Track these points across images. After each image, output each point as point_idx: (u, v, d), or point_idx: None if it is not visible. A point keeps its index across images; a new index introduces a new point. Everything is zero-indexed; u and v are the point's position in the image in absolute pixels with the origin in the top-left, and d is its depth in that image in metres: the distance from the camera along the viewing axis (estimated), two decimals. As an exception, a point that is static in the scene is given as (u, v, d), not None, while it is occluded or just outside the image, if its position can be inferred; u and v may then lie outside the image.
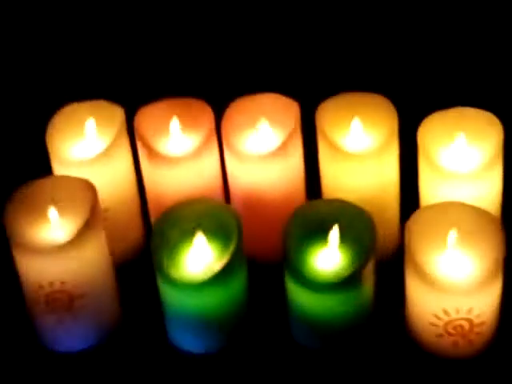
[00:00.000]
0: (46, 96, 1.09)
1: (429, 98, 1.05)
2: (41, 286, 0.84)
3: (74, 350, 0.88)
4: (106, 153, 0.91)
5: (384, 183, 0.91)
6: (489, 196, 0.90)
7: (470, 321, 0.82)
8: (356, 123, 0.91)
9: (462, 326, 0.82)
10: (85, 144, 0.93)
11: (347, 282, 0.81)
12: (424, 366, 0.85)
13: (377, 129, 0.91)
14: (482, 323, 0.82)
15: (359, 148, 0.90)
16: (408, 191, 0.94)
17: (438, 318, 0.82)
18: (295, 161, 0.92)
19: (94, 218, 0.84)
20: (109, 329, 0.89)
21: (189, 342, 0.87)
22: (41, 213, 0.85)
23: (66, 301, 0.85)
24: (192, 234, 0.84)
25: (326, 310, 0.83)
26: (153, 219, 0.96)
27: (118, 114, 0.94)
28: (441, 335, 0.83)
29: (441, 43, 1.12)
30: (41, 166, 0.95)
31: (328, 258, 0.83)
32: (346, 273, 0.81)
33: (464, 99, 0.94)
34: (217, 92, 1.01)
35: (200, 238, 0.84)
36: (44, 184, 0.87)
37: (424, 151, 0.90)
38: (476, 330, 0.82)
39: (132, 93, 1.07)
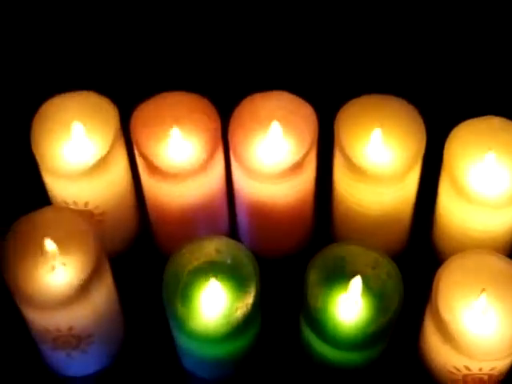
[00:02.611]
0: (26, 90, 0.96)
1: (452, 103, 0.96)
2: (47, 331, 0.79)
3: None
4: (104, 160, 0.83)
5: (401, 200, 0.86)
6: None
7: (490, 375, 0.81)
8: (377, 135, 0.83)
9: (481, 379, 0.81)
10: (74, 147, 0.83)
11: (371, 341, 0.78)
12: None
13: (402, 145, 0.83)
14: (501, 374, 0.82)
15: (380, 168, 0.83)
16: (424, 199, 0.89)
17: (458, 370, 0.80)
18: (309, 175, 0.85)
19: (100, 264, 0.78)
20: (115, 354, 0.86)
21: (197, 370, 0.85)
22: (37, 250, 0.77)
23: (73, 342, 0.81)
24: (205, 275, 0.79)
25: (343, 360, 0.81)
26: (154, 228, 0.90)
27: (111, 111, 0.84)
28: (458, 381, 0.82)
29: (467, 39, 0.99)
30: (27, 174, 0.85)
31: (349, 310, 0.79)
32: (370, 329, 0.78)
33: (493, 107, 0.86)
34: (219, 89, 0.90)
35: (214, 284, 0.78)
36: (41, 217, 0.78)
37: (448, 167, 0.83)
38: (494, 378, 0.82)
39: (120, 87, 0.95)
